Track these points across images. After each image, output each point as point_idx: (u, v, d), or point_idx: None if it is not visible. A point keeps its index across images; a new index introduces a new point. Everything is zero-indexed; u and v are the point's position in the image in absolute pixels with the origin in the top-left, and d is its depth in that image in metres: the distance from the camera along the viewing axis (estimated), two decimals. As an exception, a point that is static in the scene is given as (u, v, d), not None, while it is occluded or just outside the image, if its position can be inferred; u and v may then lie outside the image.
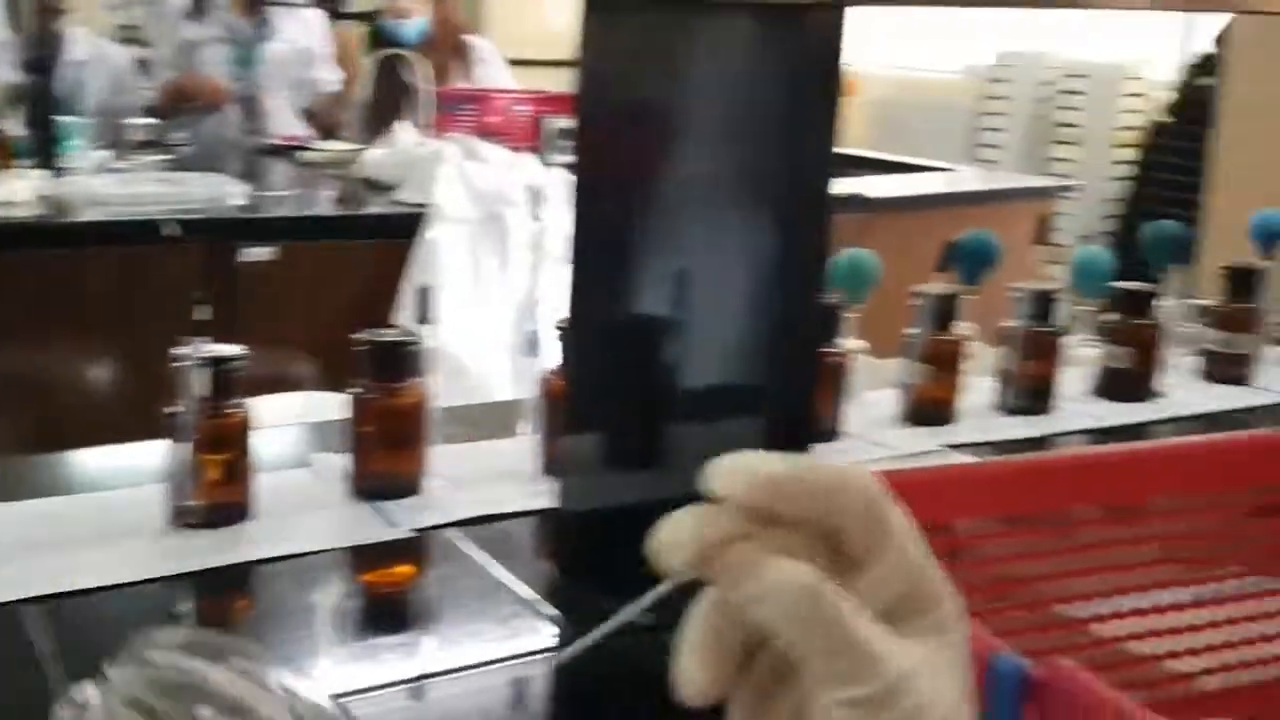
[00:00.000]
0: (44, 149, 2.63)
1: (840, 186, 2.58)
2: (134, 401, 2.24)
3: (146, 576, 0.96)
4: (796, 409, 0.88)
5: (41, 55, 3.15)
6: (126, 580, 0.95)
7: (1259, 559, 0.84)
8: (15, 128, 2.70)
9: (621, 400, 0.98)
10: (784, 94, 0.83)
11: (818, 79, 0.82)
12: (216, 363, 1.04)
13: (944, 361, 1.47)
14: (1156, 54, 4.78)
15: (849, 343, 1.42)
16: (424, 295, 1.16)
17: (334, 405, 1.74)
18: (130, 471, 1.15)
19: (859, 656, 0.35)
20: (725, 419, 0.89)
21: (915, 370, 1.47)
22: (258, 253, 2.37)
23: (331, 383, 2.08)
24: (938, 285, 1.46)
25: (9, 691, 0.82)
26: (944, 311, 1.45)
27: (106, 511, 1.07)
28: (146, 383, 2.22)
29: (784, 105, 0.83)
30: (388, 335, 1.16)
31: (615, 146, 0.97)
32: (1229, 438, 0.99)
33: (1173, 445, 1.09)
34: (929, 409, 1.47)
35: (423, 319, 1.15)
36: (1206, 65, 4.28)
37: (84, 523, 1.04)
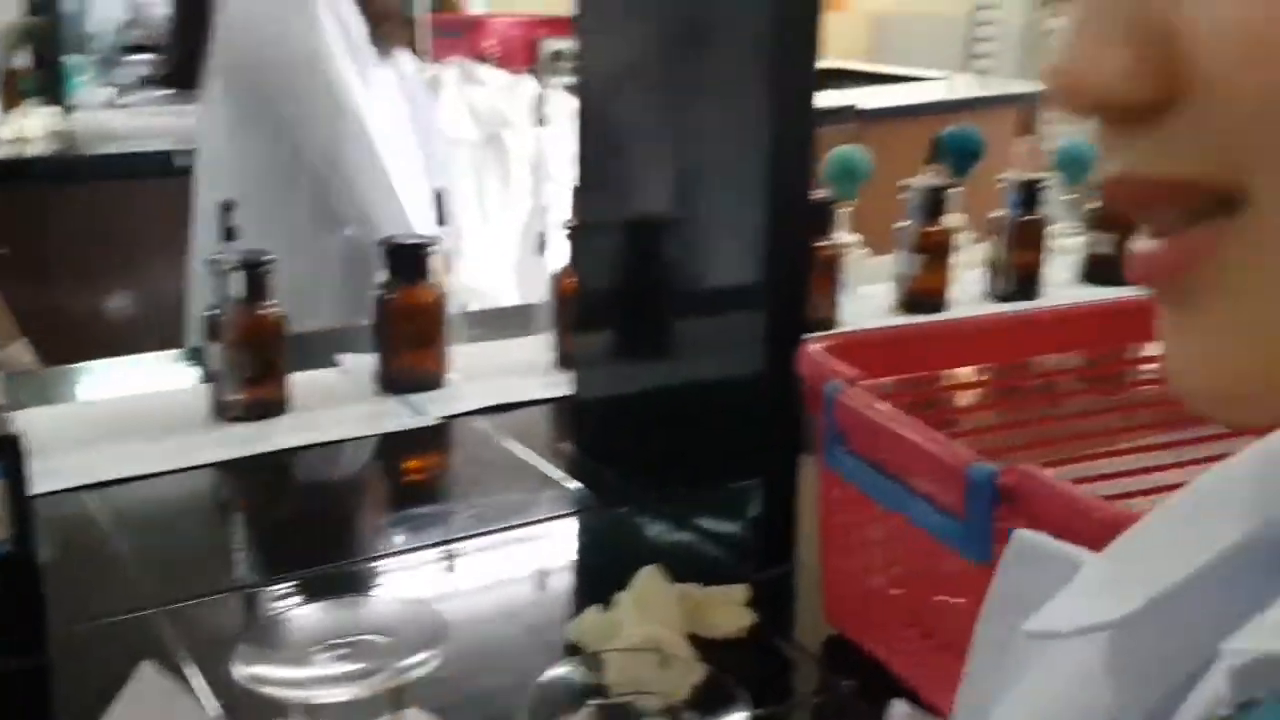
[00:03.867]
0: (52, 86, 2.67)
1: (833, 99, 2.62)
2: (145, 320, 2.30)
3: (197, 463, 1.04)
4: (794, 302, 0.91)
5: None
6: (180, 466, 1.03)
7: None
8: (23, 64, 2.74)
9: (628, 296, 1.04)
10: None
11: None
12: (250, 265, 1.10)
13: (934, 251, 1.53)
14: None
15: (843, 237, 1.48)
16: (439, 199, 1.22)
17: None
18: (161, 375, 1.24)
19: None
20: (727, 312, 0.94)
21: (908, 261, 1.53)
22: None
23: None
24: (926, 178, 1.52)
25: (77, 565, 0.90)
26: (933, 203, 1.51)
27: (154, 409, 1.14)
28: (156, 302, 2.28)
29: (771, 10, 0.86)
30: (407, 238, 1.23)
31: (615, 55, 1.03)
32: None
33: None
34: (922, 298, 1.53)
35: (440, 221, 1.22)
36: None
37: (135, 419, 1.12)
